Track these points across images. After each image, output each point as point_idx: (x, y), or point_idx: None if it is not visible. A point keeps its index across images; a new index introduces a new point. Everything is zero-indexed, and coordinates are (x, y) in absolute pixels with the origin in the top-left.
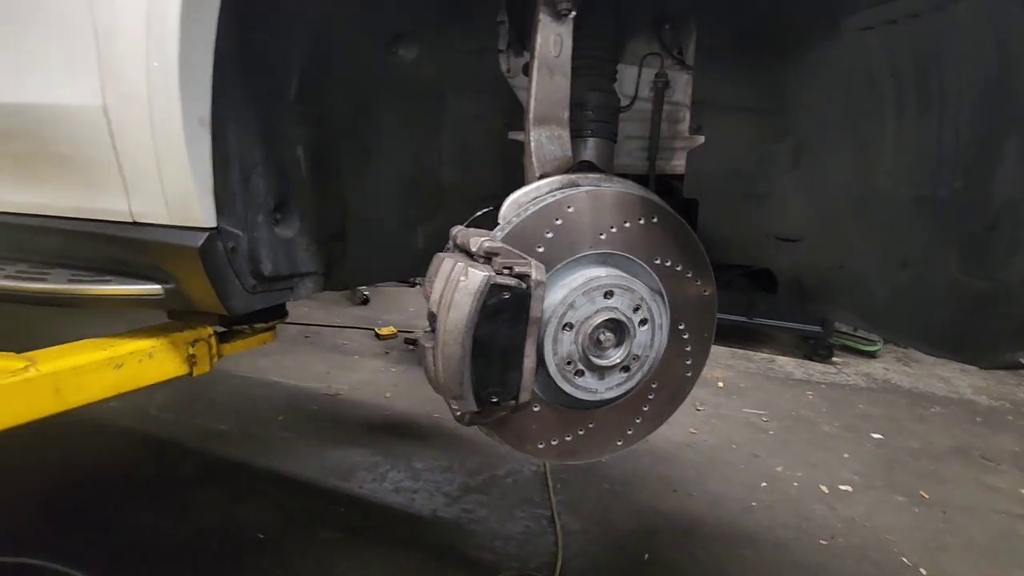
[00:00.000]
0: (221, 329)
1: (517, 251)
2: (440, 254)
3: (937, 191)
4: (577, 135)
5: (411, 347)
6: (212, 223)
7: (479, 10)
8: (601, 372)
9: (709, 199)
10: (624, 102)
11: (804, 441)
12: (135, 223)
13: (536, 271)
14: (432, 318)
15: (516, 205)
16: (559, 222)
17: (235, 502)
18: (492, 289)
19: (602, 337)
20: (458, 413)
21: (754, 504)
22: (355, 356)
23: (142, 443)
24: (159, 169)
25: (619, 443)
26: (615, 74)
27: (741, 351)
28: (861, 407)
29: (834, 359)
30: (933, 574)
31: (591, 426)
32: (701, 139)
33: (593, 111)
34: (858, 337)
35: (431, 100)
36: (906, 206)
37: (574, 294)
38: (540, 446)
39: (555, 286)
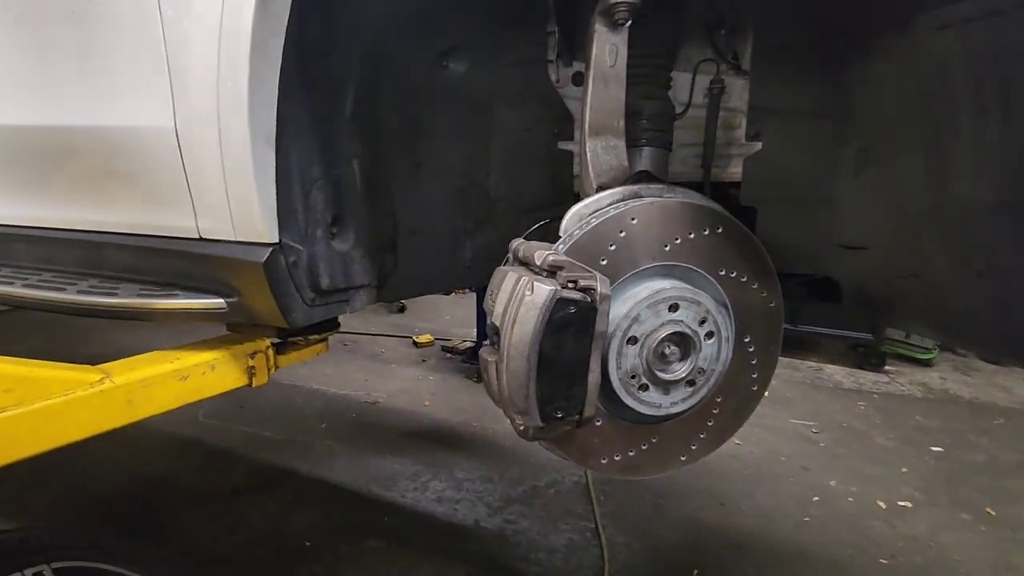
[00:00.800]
0: (277, 341)
1: (581, 264)
2: (502, 268)
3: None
4: (632, 144)
5: (449, 355)
6: (275, 239)
7: (529, 21)
8: (666, 386)
9: (767, 206)
10: (678, 109)
11: (857, 454)
12: (201, 239)
13: (601, 284)
14: (495, 332)
15: (578, 217)
16: (623, 234)
17: (284, 510)
18: (558, 304)
19: (667, 351)
20: (521, 428)
21: (807, 519)
22: (392, 364)
23: (192, 449)
24: (226, 187)
25: (683, 458)
26: (670, 81)
27: (786, 359)
28: (918, 418)
29: (886, 368)
30: None
31: (654, 441)
32: (758, 146)
33: (648, 120)
34: (911, 345)
35: (480, 112)
36: (986, 212)
37: (639, 307)
38: (603, 461)
39: (619, 299)
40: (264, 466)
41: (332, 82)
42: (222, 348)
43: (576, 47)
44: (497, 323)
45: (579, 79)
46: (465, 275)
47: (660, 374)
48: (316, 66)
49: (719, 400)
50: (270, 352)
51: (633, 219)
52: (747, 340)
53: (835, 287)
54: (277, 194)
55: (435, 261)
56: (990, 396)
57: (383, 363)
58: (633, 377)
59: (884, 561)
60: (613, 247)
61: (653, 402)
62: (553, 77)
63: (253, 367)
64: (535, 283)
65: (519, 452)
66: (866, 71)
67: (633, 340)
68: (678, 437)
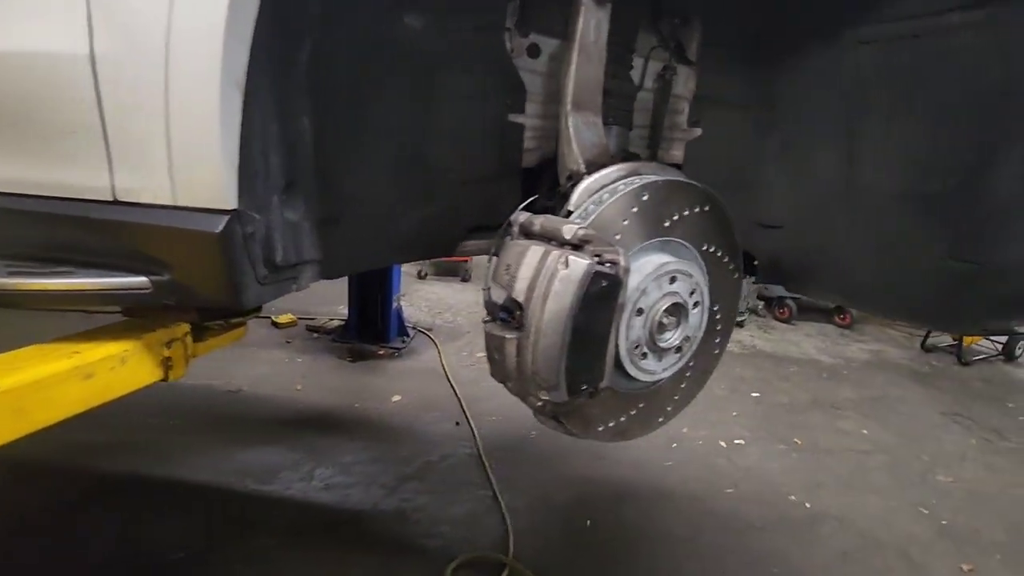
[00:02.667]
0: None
1: (605, 239)
2: (517, 241)
3: (927, 187)
4: (602, 122)
5: (315, 335)
6: (233, 204)
7: None
8: (661, 354)
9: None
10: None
11: (701, 403)
12: (116, 202)
13: (624, 258)
14: (499, 308)
15: (588, 192)
16: (635, 210)
17: (138, 521)
18: (595, 277)
19: (665, 320)
20: (540, 404)
21: (669, 464)
22: (252, 348)
23: (4, 468)
24: (168, 137)
25: (660, 419)
26: (632, 64)
27: None
28: (738, 370)
29: None
30: (815, 507)
31: (641, 406)
32: (698, 131)
33: (615, 99)
34: None
35: (433, 75)
36: (890, 199)
37: (647, 280)
38: (599, 429)
39: (630, 273)
40: (103, 476)
41: (293, 25)
42: (131, 338)
43: (533, 18)
44: (520, 299)
45: (534, 50)
46: (404, 248)
47: (658, 342)
48: (281, 3)
49: (691, 364)
50: (188, 340)
51: (644, 196)
52: (715, 309)
53: (750, 260)
54: (240, 151)
55: (375, 233)
56: (786, 350)
57: (240, 347)
58: (637, 347)
59: (729, 491)
60: (626, 222)
61: (650, 369)
62: (508, 46)
63: (170, 358)
64: (570, 257)
65: (406, 429)
66: (794, 71)
67: (640, 311)
68: (660, 399)
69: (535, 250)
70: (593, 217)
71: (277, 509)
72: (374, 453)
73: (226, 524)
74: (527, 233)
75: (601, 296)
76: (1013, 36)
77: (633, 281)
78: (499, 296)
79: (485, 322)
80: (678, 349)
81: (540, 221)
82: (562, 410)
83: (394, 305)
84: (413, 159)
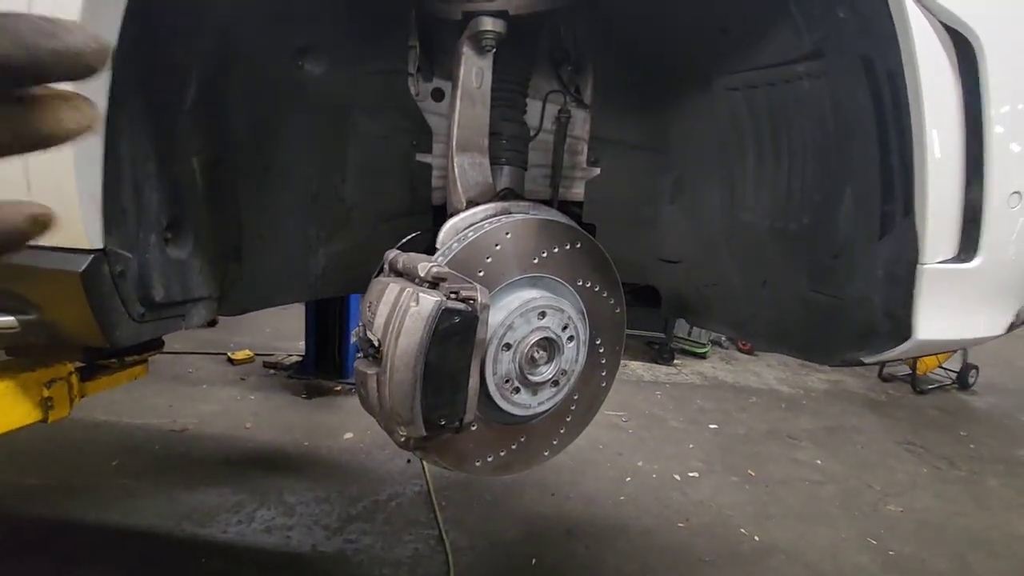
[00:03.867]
0: (81, 365)
1: (462, 276)
2: (381, 278)
3: (789, 225)
4: (494, 163)
5: (272, 371)
6: (98, 244)
7: (390, 32)
8: (535, 388)
9: (605, 224)
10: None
11: (657, 437)
12: None
13: (481, 295)
14: (370, 345)
15: (455, 231)
16: (498, 247)
17: (72, 570)
18: (444, 314)
19: (536, 355)
20: (402, 439)
21: (622, 498)
22: (203, 385)
23: None
24: (26, 178)
25: (546, 453)
26: (525, 107)
27: None
28: (699, 402)
29: (675, 361)
30: (764, 540)
31: (522, 440)
32: (597, 171)
33: (508, 140)
34: (691, 341)
35: (338, 117)
36: (764, 236)
37: (512, 316)
38: (478, 464)
39: (495, 308)
40: (33, 520)
41: (172, 69)
42: (4, 377)
43: (435, 63)
44: (379, 336)
45: (438, 95)
46: (317, 285)
47: (530, 376)
48: (155, 48)
49: (575, 397)
50: (74, 379)
51: (507, 233)
52: (598, 343)
53: (655, 294)
54: (104, 190)
55: (285, 270)
56: (746, 380)
57: (191, 384)
58: (507, 381)
59: (681, 525)
60: (489, 259)
61: (524, 403)
62: (413, 90)
63: (50, 398)
64: (420, 294)
65: (356, 468)
66: (679, 116)
67: (507, 346)
68: (542, 434)
69: (392, 287)
70: (452, 255)
71: (212, 554)
72: (320, 493)
73: (154, 570)
74: (394, 270)
75: (454, 332)
76: (841, 86)
77: (498, 316)
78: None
79: (357, 358)
80: (555, 383)
81: (403, 259)
82: (426, 445)
83: (352, 340)
84: (320, 197)
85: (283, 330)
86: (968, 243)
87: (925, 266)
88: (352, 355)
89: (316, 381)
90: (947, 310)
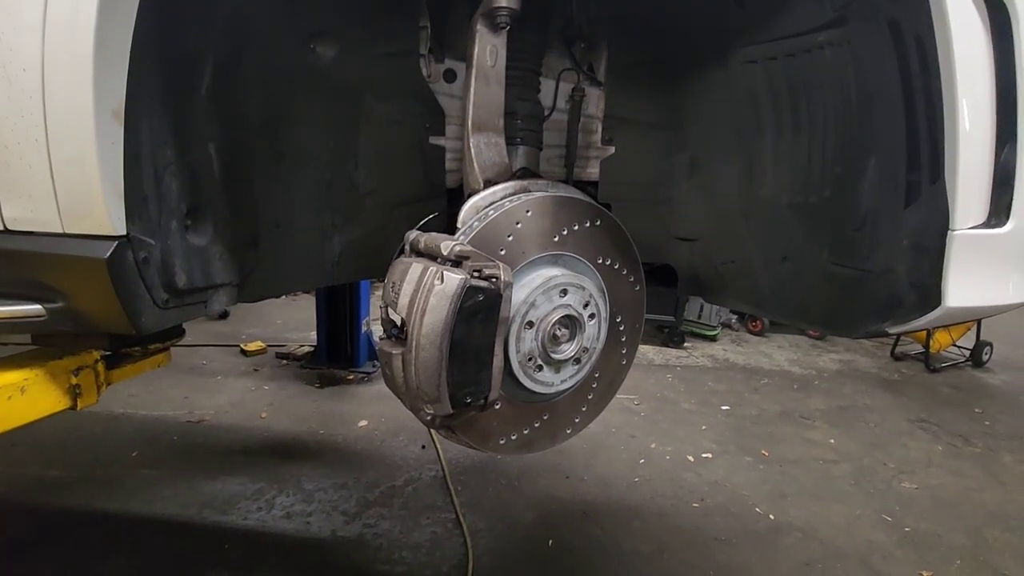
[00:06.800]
0: (107, 353)
1: (485, 254)
2: (403, 259)
3: (809, 198)
4: (509, 143)
5: (284, 362)
6: (122, 231)
7: (401, 13)
8: (557, 366)
9: (620, 203)
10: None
11: (670, 419)
12: (7, 231)
13: (504, 273)
14: (393, 325)
15: (475, 209)
16: (519, 225)
17: (97, 558)
18: (468, 291)
19: (558, 333)
20: (429, 417)
21: (636, 480)
22: (218, 376)
23: None
24: (51, 169)
25: (568, 431)
26: (539, 86)
27: None
28: (710, 384)
29: (685, 344)
30: (779, 518)
31: (545, 418)
32: (612, 150)
33: (522, 120)
34: (702, 324)
35: (350, 102)
36: (784, 211)
37: (535, 294)
38: (502, 442)
39: (516, 286)
40: (58, 511)
41: (189, 55)
42: (33, 366)
43: (447, 44)
44: (403, 315)
45: (450, 75)
46: (333, 271)
47: (553, 354)
48: (172, 34)
49: (597, 375)
50: (100, 367)
51: (528, 211)
52: (618, 320)
53: (671, 273)
54: (125, 178)
55: (300, 257)
56: (757, 362)
57: (206, 376)
58: (530, 359)
59: (696, 505)
60: (511, 237)
61: (546, 381)
62: (424, 72)
63: (78, 386)
64: (445, 272)
65: (372, 454)
66: (696, 92)
67: (530, 324)
68: (564, 411)
69: (416, 267)
70: (474, 234)
71: (234, 540)
72: (338, 479)
73: (179, 557)
74: (415, 251)
75: (479, 310)
76: (865, 53)
77: (520, 294)
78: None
79: (380, 339)
80: (576, 360)
81: (424, 239)
82: (452, 423)
83: (363, 329)
84: (338, 183)
85: (293, 321)
86: (999, 208)
87: (955, 232)
88: (363, 345)
89: (328, 371)
90: (977, 277)
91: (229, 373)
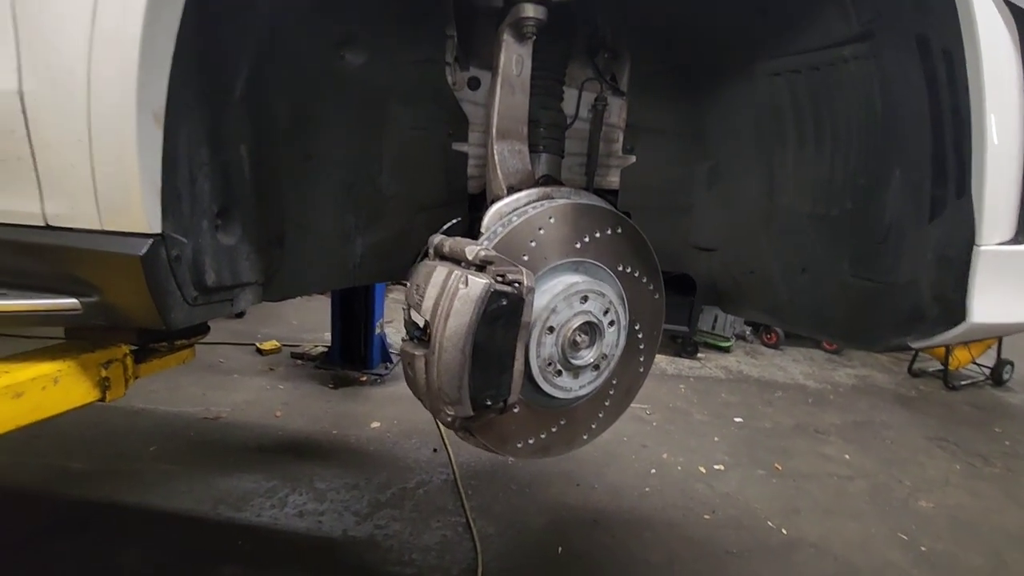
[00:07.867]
0: (135, 347)
1: (508, 259)
2: (427, 262)
3: (830, 210)
4: (532, 150)
5: (299, 362)
6: (157, 229)
7: (427, 22)
8: (576, 371)
9: (640, 212)
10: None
11: (682, 429)
12: (48, 227)
13: (527, 278)
14: (416, 328)
15: (499, 215)
16: (542, 232)
17: (113, 549)
18: (492, 296)
19: (578, 339)
20: (450, 418)
21: (647, 489)
22: (235, 375)
23: None
24: (92, 167)
25: (585, 437)
26: (562, 95)
27: None
28: (723, 396)
29: (699, 355)
30: (792, 533)
31: (563, 423)
32: (632, 159)
33: (545, 128)
34: (715, 335)
35: (376, 107)
36: (804, 222)
37: (556, 300)
38: (519, 445)
39: (538, 292)
40: (79, 502)
41: (224, 57)
42: (66, 358)
43: (472, 52)
44: (427, 317)
45: (475, 83)
46: (355, 273)
47: (572, 360)
48: (207, 38)
49: (614, 382)
50: (128, 361)
51: (551, 218)
52: (637, 328)
53: (689, 282)
54: (162, 178)
55: (324, 258)
56: (772, 375)
57: (223, 374)
58: (550, 364)
59: (707, 516)
60: (534, 243)
61: (565, 386)
62: (450, 79)
63: (107, 378)
64: (469, 276)
65: (384, 456)
66: (718, 103)
67: (551, 329)
68: (582, 417)
69: (440, 270)
70: (498, 239)
71: (246, 537)
72: (350, 480)
73: (193, 551)
74: (439, 254)
75: (502, 314)
76: (892, 67)
77: (542, 300)
78: (413, 315)
79: (403, 340)
80: (595, 367)
81: (449, 243)
82: (473, 425)
83: (377, 331)
84: (359, 187)
85: (308, 322)
86: None
87: (982, 248)
88: (377, 346)
89: (342, 371)
90: (1003, 293)
91: (245, 371)
